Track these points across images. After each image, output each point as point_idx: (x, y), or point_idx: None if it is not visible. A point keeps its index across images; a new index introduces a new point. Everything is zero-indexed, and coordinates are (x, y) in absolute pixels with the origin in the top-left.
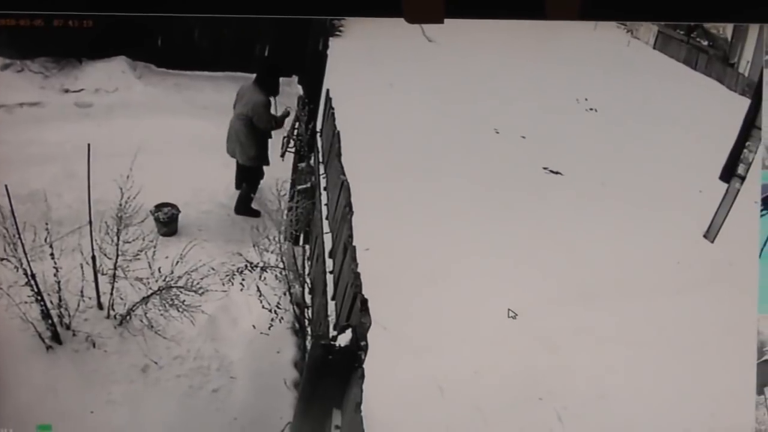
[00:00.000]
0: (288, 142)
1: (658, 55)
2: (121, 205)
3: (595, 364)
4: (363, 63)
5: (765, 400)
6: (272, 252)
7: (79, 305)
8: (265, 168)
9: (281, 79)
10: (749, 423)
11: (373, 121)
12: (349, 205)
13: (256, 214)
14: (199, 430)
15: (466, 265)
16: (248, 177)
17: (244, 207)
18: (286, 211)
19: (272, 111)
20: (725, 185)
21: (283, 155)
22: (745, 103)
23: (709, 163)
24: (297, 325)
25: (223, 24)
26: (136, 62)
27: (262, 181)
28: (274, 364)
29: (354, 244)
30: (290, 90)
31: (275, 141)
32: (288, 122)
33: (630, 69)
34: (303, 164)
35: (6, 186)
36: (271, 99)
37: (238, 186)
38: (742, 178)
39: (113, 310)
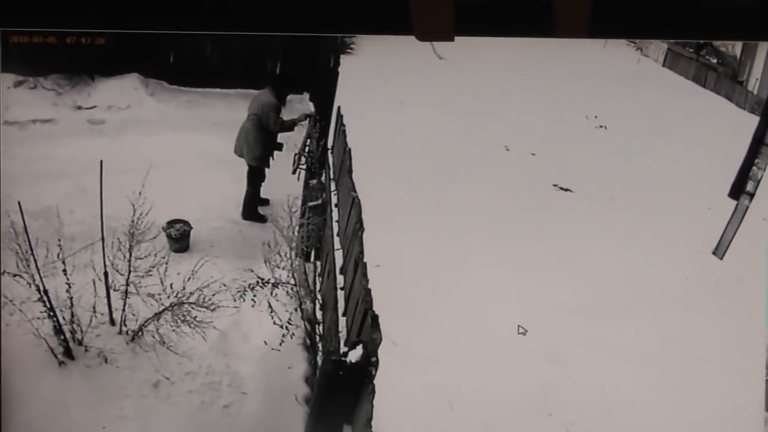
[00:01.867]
0: (299, 159)
1: (667, 73)
2: (133, 221)
3: (604, 379)
4: (374, 80)
5: None
6: (283, 268)
7: (91, 321)
8: (277, 186)
9: (294, 96)
10: None
11: (384, 138)
12: (360, 221)
13: (262, 219)
14: None
15: (476, 280)
16: (251, 177)
17: (250, 211)
18: (297, 228)
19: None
20: (734, 202)
21: (294, 172)
22: (753, 120)
23: (718, 180)
24: (308, 341)
25: (234, 42)
26: (149, 79)
27: (273, 198)
28: (285, 380)
29: (365, 260)
30: (301, 107)
31: (286, 155)
32: (300, 138)
33: (640, 86)
34: (314, 181)
35: (19, 202)
36: (282, 105)
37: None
38: (751, 195)
39: (125, 325)
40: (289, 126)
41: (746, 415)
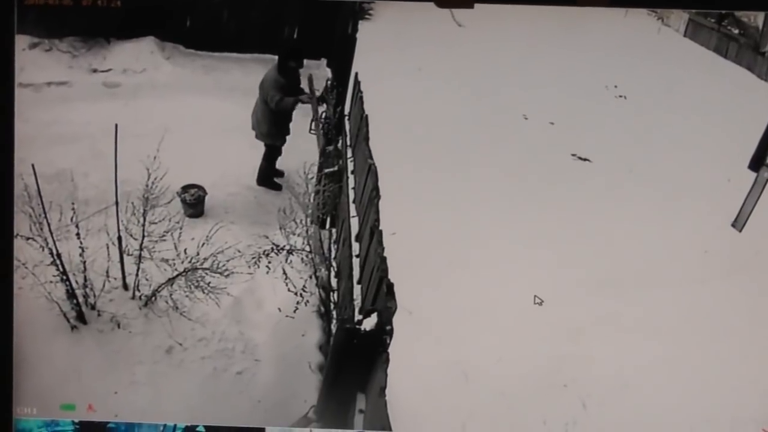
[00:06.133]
0: (311, 125)
1: (688, 43)
2: (147, 185)
3: (620, 352)
4: (392, 47)
5: None
6: (299, 235)
7: (104, 285)
8: (289, 149)
9: (311, 62)
10: None
11: (402, 105)
12: (376, 189)
13: (276, 187)
14: (222, 412)
15: (493, 250)
16: (266, 151)
17: (264, 179)
18: (312, 195)
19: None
20: (754, 174)
21: (310, 131)
22: None
23: (737, 152)
24: (322, 309)
25: (251, 6)
26: (165, 43)
27: (289, 165)
28: (298, 347)
29: (380, 228)
30: (319, 72)
31: (304, 121)
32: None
33: (660, 56)
34: (330, 147)
35: (33, 165)
36: (284, 79)
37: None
38: None
39: (138, 290)
40: (289, 105)
41: (763, 390)
